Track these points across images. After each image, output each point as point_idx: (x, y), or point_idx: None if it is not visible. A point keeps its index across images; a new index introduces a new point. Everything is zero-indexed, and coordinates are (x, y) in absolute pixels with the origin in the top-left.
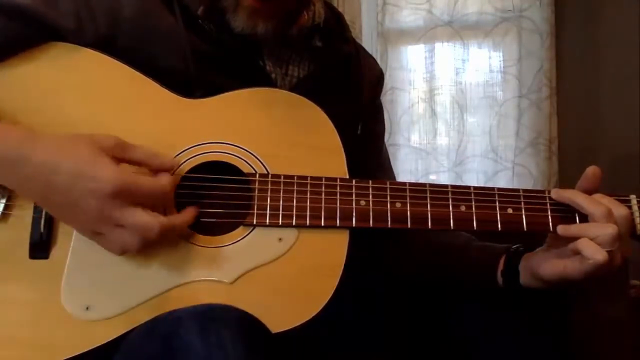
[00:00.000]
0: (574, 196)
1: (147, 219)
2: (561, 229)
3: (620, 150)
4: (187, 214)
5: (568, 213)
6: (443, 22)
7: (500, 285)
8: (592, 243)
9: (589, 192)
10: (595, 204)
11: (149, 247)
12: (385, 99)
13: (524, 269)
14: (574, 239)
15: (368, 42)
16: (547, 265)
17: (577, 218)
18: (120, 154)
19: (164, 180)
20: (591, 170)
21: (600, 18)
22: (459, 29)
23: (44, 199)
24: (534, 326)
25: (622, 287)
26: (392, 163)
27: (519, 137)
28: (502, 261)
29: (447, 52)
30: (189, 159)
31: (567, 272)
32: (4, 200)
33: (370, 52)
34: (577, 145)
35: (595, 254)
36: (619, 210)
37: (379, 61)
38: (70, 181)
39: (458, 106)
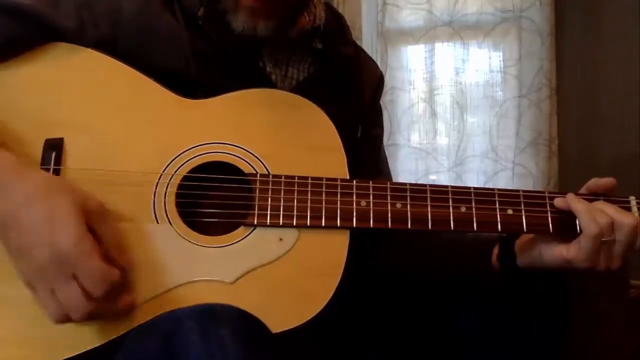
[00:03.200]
0: (575, 205)
1: (77, 298)
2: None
3: (620, 150)
4: (119, 306)
5: (568, 213)
6: (443, 22)
7: (496, 269)
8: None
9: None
10: (593, 223)
11: (68, 322)
12: (385, 99)
13: (522, 250)
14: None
15: (368, 42)
16: (550, 251)
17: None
18: (96, 222)
19: (114, 272)
20: (609, 182)
21: (600, 18)
22: (459, 29)
23: (3, 232)
24: (533, 325)
25: (622, 287)
26: (392, 163)
27: (519, 137)
28: (496, 247)
29: (447, 52)
30: (190, 159)
31: (569, 256)
32: None
33: (370, 52)
34: (577, 145)
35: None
36: (628, 220)
37: (378, 61)
38: (33, 225)
39: (458, 106)
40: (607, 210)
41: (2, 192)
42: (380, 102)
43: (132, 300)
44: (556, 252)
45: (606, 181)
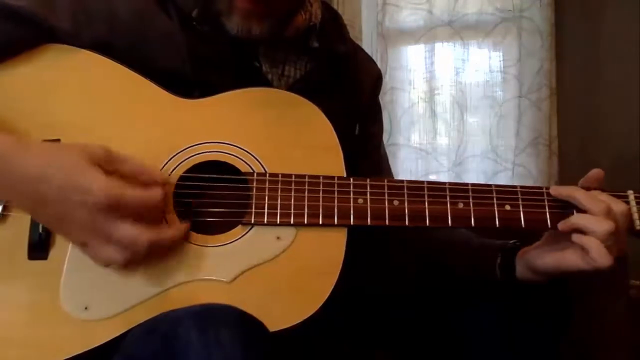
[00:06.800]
0: (573, 192)
1: (134, 233)
2: (562, 225)
3: (620, 150)
4: (177, 229)
5: (566, 209)
6: (443, 22)
7: (498, 278)
8: (602, 246)
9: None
10: (594, 201)
11: (136, 261)
12: (385, 99)
13: (520, 262)
14: (573, 231)
15: (368, 42)
16: (544, 258)
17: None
18: (109, 165)
19: (154, 192)
20: (595, 173)
21: (600, 18)
22: (459, 29)
23: (34, 210)
24: (534, 325)
25: (622, 287)
26: (392, 163)
27: (519, 137)
28: (499, 256)
29: (447, 52)
30: (187, 158)
31: (565, 264)
32: (2, 201)
33: (370, 52)
34: (577, 145)
35: (602, 257)
36: (618, 206)
37: (378, 61)
38: (60, 192)
39: (458, 106)
40: (602, 197)
41: (16, 177)
42: (380, 102)
43: (180, 225)
44: (566, 253)
45: (594, 172)
